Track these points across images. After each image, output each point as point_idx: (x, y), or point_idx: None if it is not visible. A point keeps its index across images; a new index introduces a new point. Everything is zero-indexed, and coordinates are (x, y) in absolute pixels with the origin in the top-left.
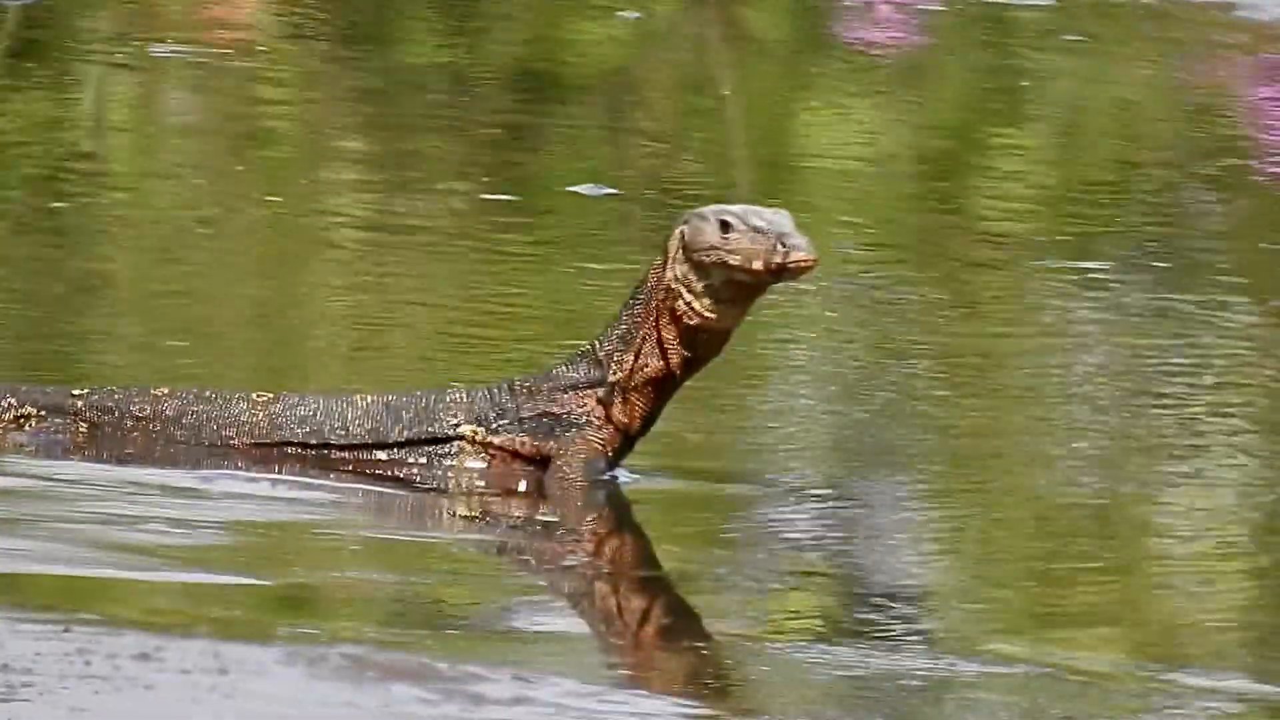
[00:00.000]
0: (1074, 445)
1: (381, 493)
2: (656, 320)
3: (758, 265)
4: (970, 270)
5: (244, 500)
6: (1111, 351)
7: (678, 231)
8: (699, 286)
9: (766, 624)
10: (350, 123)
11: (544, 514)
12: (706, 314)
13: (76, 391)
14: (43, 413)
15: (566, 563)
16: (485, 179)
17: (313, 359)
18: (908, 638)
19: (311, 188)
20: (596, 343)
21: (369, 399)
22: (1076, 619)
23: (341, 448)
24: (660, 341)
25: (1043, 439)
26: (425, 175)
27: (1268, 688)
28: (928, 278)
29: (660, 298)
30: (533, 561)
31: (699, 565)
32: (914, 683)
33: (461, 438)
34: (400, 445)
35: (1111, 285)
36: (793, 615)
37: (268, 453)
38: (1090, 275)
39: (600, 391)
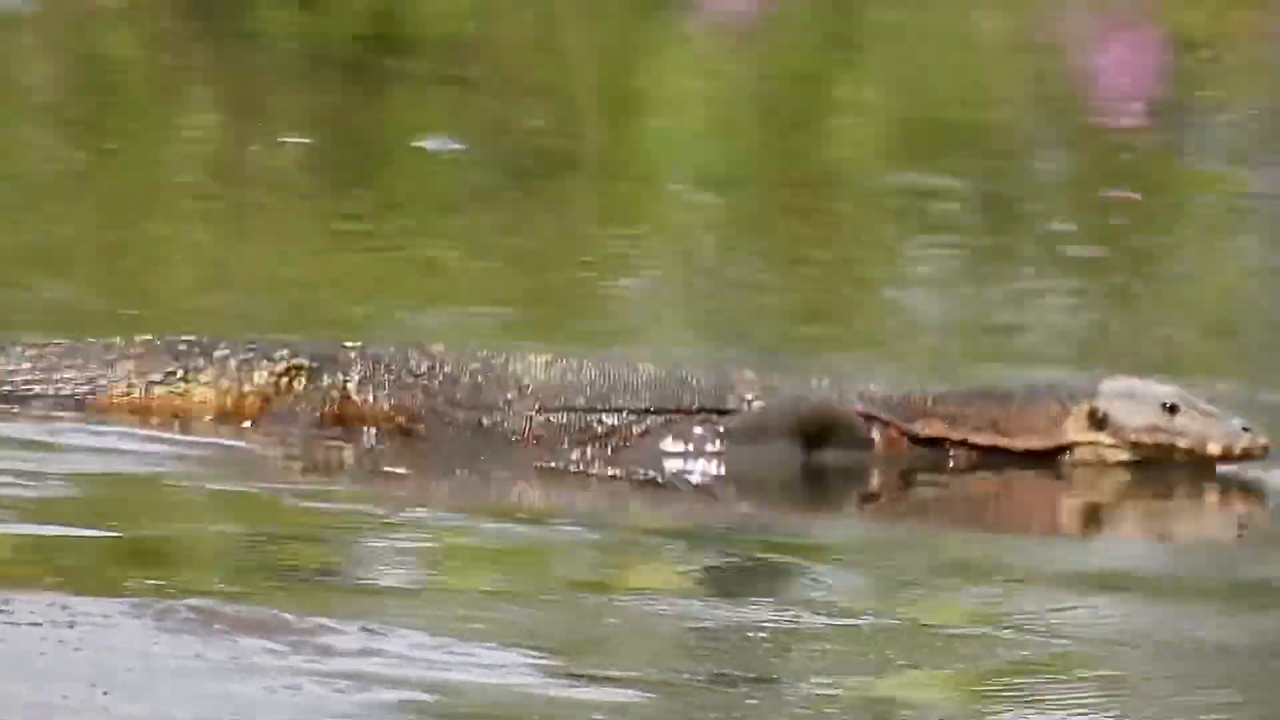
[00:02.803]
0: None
1: (234, 446)
2: None
3: None
4: (813, 222)
5: (92, 453)
6: (950, 299)
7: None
8: None
9: (615, 576)
10: (196, 76)
11: (392, 467)
12: None
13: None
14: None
15: (417, 514)
16: (328, 132)
17: (145, 303)
18: (755, 590)
19: (154, 138)
20: None
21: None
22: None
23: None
24: None
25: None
26: (267, 129)
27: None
28: (769, 229)
29: None
30: (382, 513)
31: (551, 515)
32: (760, 635)
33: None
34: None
35: (951, 234)
36: (641, 568)
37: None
38: (932, 223)
39: None
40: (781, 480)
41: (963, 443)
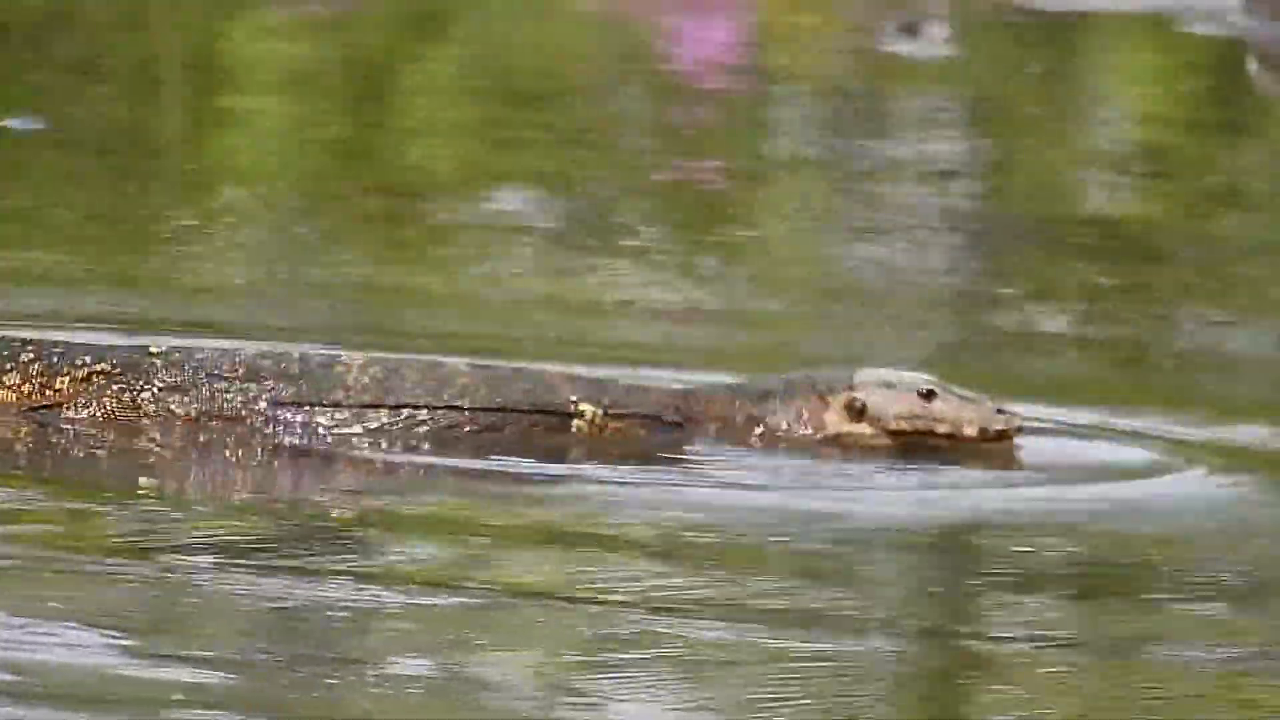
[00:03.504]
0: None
1: None
2: None
3: None
4: (383, 201)
5: None
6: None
7: None
8: None
9: (198, 554)
10: None
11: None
12: None
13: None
14: None
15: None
16: None
17: None
18: (335, 569)
19: None
20: None
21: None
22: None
23: None
24: None
25: None
26: None
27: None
28: (332, 210)
29: None
30: None
31: (133, 496)
32: (340, 614)
33: None
34: None
35: (527, 214)
36: (225, 546)
37: None
38: (504, 209)
39: None
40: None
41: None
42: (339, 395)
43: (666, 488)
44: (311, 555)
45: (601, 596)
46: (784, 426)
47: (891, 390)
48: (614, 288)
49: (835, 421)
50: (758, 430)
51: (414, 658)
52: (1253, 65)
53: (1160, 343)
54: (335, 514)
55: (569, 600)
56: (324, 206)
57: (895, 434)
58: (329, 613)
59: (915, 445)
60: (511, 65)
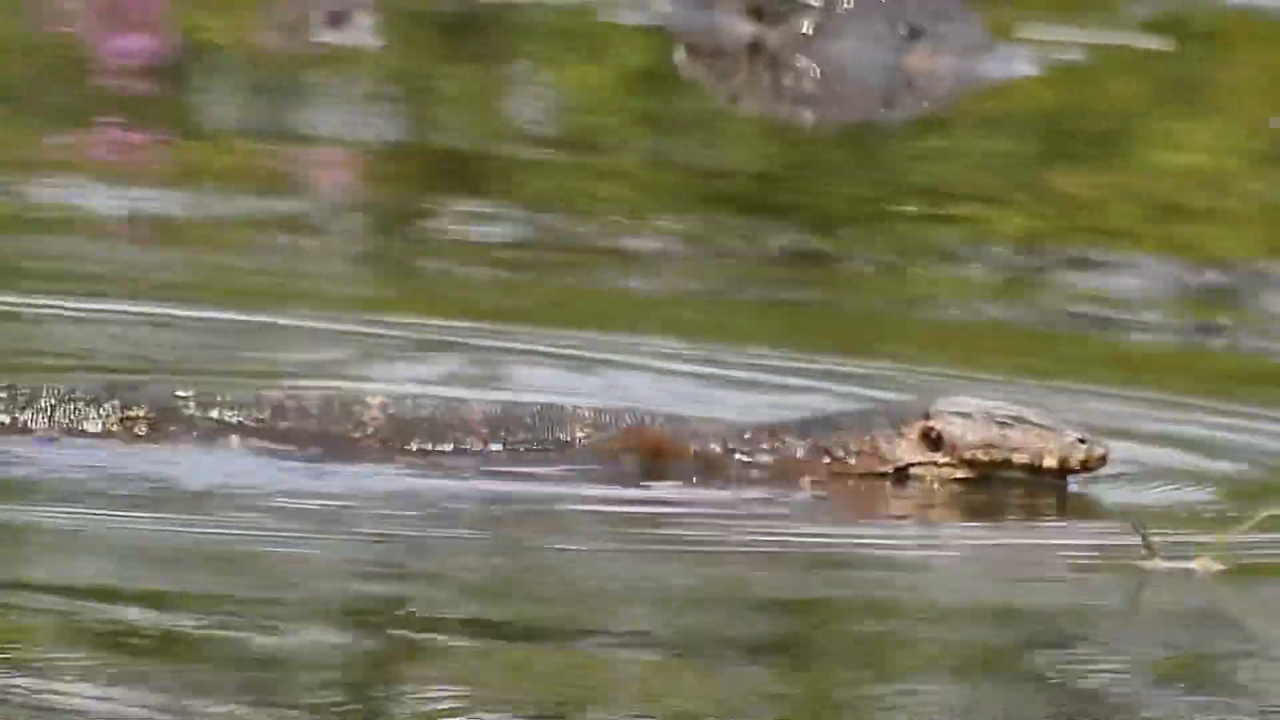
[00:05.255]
0: None
1: None
2: None
3: None
4: None
5: None
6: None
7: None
8: None
9: None
10: None
11: None
12: None
13: None
14: None
15: None
16: None
17: None
18: None
19: None
20: None
21: None
22: None
23: None
24: None
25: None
26: None
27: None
28: None
29: None
30: None
31: None
32: None
33: None
34: None
35: None
36: None
37: None
38: None
39: None
40: None
41: None
42: None
43: None
44: None
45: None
46: (854, 458)
47: (969, 419)
48: None
49: (910, 452)
50: (826, 461)
51: None
52: (680, 54)
53: None
54: None
55: None
56: None
57: (971, 464)
58: None
59: (990, 476)
60: None
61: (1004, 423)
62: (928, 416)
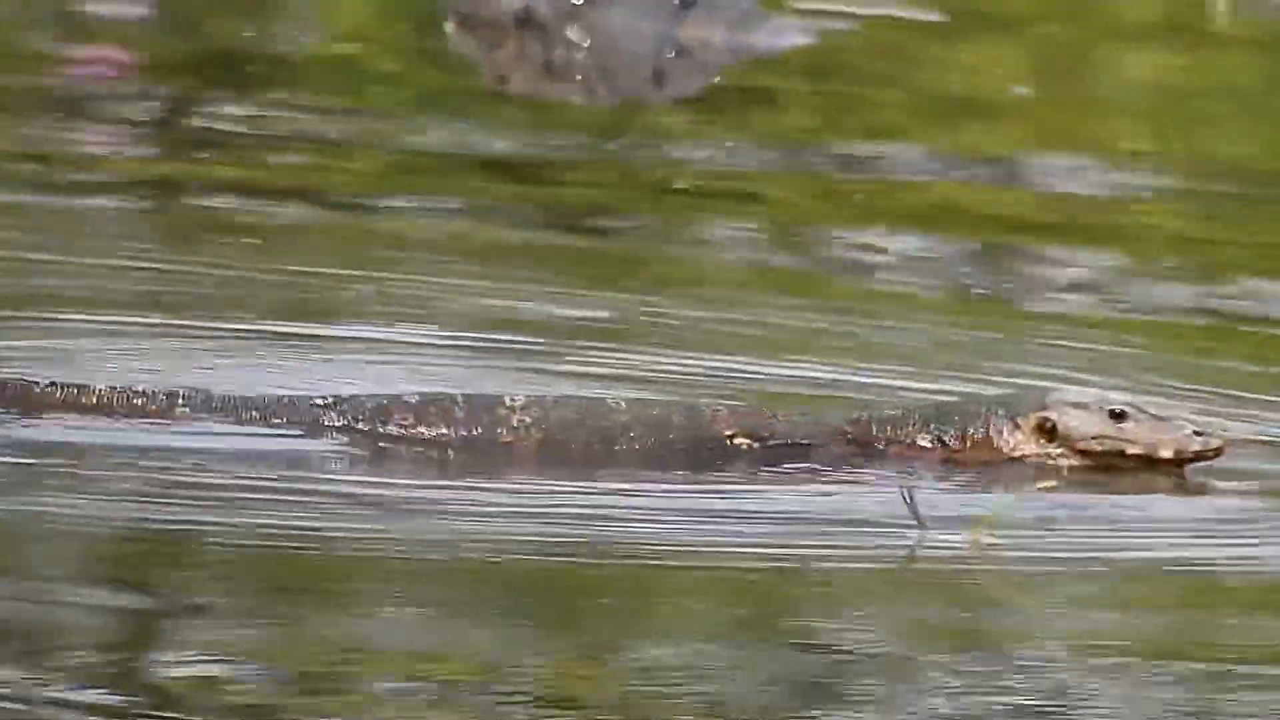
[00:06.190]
0: None
1: None
2: None
3: None
4: None
5: None
6: None
7: None
8: None
9: None
10: None
11: None
12: None
13: None
14: None
15: None
16: None
17: None
18: None
19: None
20: None
21: None
22: None
23: None
24: None
25: None
26: None
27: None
28: None
29: None
30: None
31: None
32: None
33: None
34: None
35: None
36: None
37: None
38: None
39: None
40: None
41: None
42: None
43: None
44: None
45: None
46: (969, 447)
47: (1083, 411)
48: None
49: (1025, 442)
50: (939, 453)
51: None
52: (450, 26)
53: None
54: None
55: None
56: None
57: (1085, 454)
58: None
59: (1105, 466)
60: None
61: (1119, 414)
62: (1044, 408)
